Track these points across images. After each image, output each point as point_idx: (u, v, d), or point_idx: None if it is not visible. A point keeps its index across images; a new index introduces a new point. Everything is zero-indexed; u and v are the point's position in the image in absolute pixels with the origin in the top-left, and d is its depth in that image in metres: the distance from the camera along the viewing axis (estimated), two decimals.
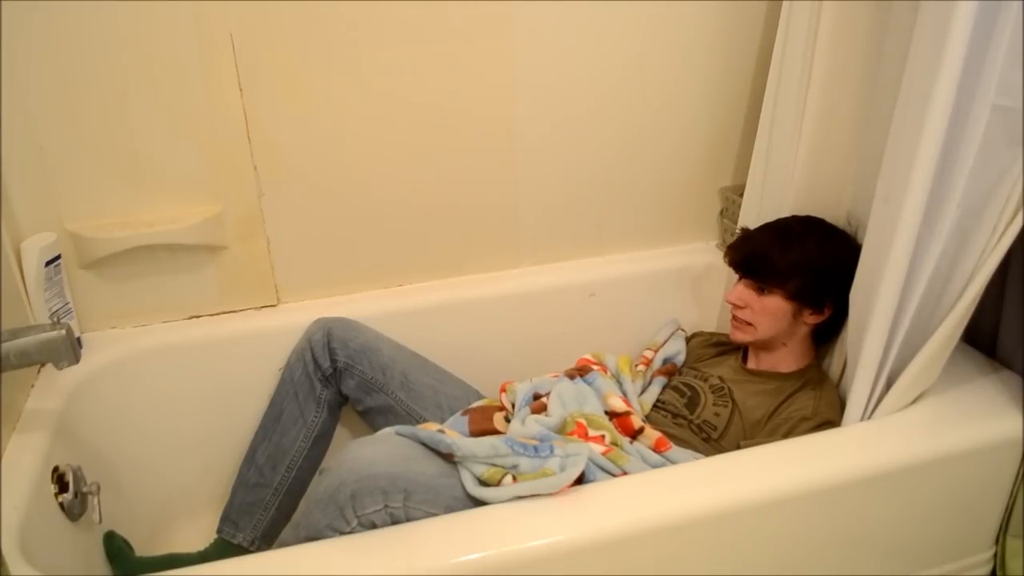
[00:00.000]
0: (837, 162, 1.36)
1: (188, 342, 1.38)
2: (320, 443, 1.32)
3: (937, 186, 1.03)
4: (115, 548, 1.22)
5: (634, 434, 1.19)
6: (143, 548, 1.26)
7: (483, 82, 1.39)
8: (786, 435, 1.18)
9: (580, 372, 1.33)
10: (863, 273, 1.20)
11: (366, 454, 0.97)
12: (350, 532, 0.93)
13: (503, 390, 1.34)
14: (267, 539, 1.29)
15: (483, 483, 1.01)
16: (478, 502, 1.00)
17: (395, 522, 0.94)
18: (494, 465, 1.03)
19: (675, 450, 1.17)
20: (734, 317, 1.32)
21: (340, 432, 1.38)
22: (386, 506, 0.93)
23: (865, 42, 1.27)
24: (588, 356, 1.40)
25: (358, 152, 1.38)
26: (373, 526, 0.94)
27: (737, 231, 1.42)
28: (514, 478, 1.01)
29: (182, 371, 1.37)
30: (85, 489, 1.11)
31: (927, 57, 1.00)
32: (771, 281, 1.26)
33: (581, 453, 1.04)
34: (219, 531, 1.29)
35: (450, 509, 0.98)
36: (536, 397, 1.29)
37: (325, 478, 0.97)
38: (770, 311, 1.27)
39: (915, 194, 1.03)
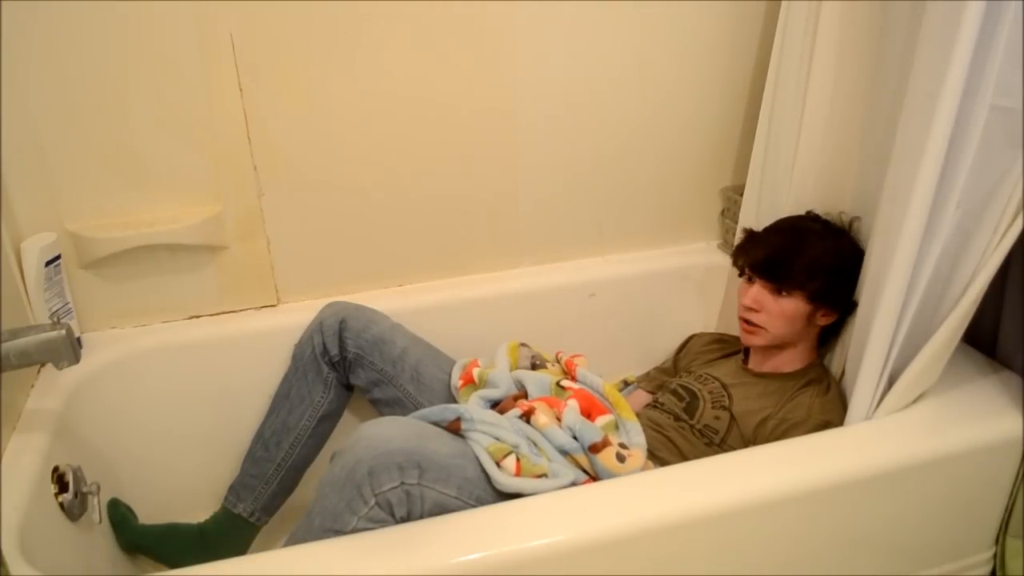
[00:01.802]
0: (836, 161, 1.36)
1: (188, 342, 1.38)
2: (326, 422, 1.33)
3: (938, 187, 1.03)
4: (118, 515, 1.24)
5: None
6: None
7: (483, 83, 1.39)
8: (780, 438, 1.18)
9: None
10: (868, 274, 1.20)
11: (380, 432, 0.97)
12: (367, 513, 0.93)
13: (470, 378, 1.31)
14: (267, 511, 1.31)
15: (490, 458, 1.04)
16: (488, 485, 1.01)
17: (410, 500, 0.94)
18: (498, 439, 1.06)
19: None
20: (745, 320, 1.29)
21: (349, 414, 1.39)
22: (402, 483, 0.94)
23: (863, 41, 1.27)
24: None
25: (358, 152, 1.38)
26: (389, 505, 0.94)
27: (740, 232, 1.41)
28: (517, 459, 1.04)
29: (182, 371, 1.37)
30: (85, 489, 1.11)
31: (935, 58, 1.00)
32: (792, 283, 1.24)
33: (565, 475, 1.05)
34: (224, 500, 1.31)
35: (461, 489, 0.99)
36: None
37: (340, 459, 0.97)
38: (788, 314, 1.25)
39: (920, 195, 1.03)
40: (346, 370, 1.33)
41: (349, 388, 1.36)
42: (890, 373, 1.13)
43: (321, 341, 1.31)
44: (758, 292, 1.27)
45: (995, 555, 1.24)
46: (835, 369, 1.31)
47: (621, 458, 1.08)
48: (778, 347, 1.31)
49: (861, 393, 1.14)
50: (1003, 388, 1.19)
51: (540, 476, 1.04)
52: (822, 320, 1.27)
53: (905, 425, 1.13)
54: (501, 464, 1.03)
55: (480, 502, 1.00)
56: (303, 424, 1.31)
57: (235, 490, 1.31)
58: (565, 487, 1.03)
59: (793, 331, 1.27)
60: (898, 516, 1.13)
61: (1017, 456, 1.15)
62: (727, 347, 1.44)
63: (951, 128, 0.99)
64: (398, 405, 1.32)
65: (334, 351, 1.31)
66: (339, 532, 0.94)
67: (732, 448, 1.22)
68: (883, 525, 1.13)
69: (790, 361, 1.31)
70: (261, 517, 1.31)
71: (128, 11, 1.18)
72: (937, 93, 0.98)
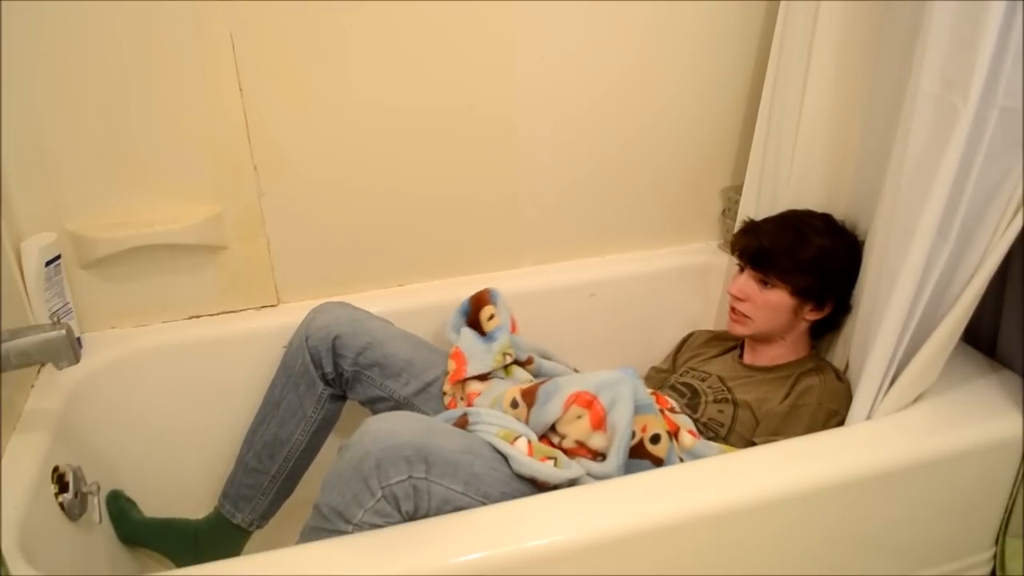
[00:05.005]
0: (834, 160, 1.36)
1: (188, 342, 1.38)
2: (320, 434, 1.31)
3: (951, 190, 1.03)
4: (117, 509, 1.25)
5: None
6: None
7: (484, 83, 1.39)
8: (788, 422, 1.19)
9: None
10: (868, 273, 1.20)
11: (387, 426, 0.97)
12: (374, 506, 0.93)
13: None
14: (266, 517, 1.31)
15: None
16: (495, 482, 1.01)
17: (417, 495, 0.94)
18: (506, 427, 1.07)
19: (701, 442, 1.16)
20: (732, 309, 1.32)
21: (348, 411, 1.37)
22: (410, 476, 0.93)
23: (861, 41, 1.27)
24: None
25: (358, 152, 1.38)
26: (395, 499, 0.93)
27: (742, 220, 1.41)
28: (528, 441, 1.05)
29: (182, 371, 1.37)
30: (85, 489, 1.12)
31: (951, 61, 1.00)
32: (779, 276, 1.26)
33: (572, 468, 1.05)
34: (220, 506, 1.30)
35: (468, 485, 0.98)
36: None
37: (347, 452, 0.97)
38: (771, 305, 1.27)
39: (936, 199, 1.02)
40: (343, 386, 1.29)
41: (343, 398, 1.32)
42: (894, 373, 1.13)
43: (312, 357, 1.26)
44: (745, 282, 1.30)
45: (995, 555, 1.24)
46: (837, 365, 1.31)
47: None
48: (768, 340, 1.32)
49: (864, 393, 1.14)
50: (1003, 388, 1.19)
51: (551, 459, 1.04)
52: (809, 315, 1.28)
53: (905, 425, 1.13)
54: (513, 446, 1.03)
55: (487, 499, 1.00)
56: (296, 439, 1.28)
57: (231, 499, 1.29)
58: (573, 479, 1.03)
59: (779, 323, 1.28)
60: (898, 516, 1.13)
61: (1017, 456, 1.15)
62: (724, 344, 1.45)
63: (969, 132, 0.99)
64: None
65: (328, 368, 1.26)
66: (346, 523, 0.94)
67: (737, 441, 1.22)
68: (883, 525, 1.13)
69: (783, 354, 1.31)
70: (260, 524, 1.30)
71: (128, 11, 1.18)
72: (960, 98, 0.98)
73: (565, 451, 1.09)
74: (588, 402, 1.08)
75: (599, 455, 1.08)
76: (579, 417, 1.08)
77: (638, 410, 1.08)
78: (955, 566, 1.23)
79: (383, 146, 1.39)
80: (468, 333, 1.35)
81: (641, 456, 1.07)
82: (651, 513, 0.98)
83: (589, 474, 1.06)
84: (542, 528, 0.95)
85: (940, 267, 1.07)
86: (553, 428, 1.12)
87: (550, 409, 1.11)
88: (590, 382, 1.10)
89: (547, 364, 1.37)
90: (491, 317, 1.35)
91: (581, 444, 1.09)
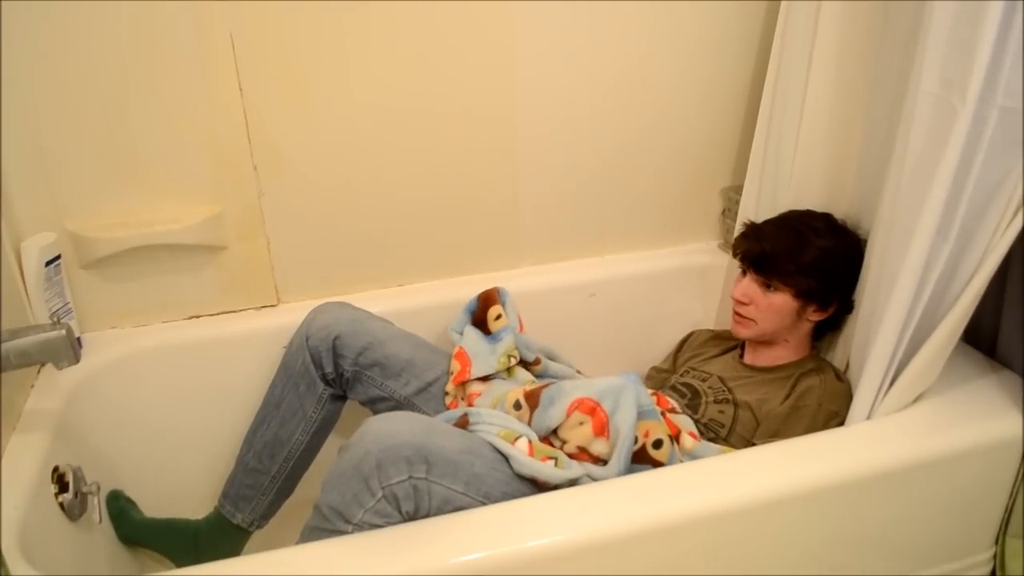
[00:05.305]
0: (835, 160, 1.36)
1: (188, 342, 1.38)
2: (320, 434, 1.31)
3: (951, 190, 1.03)
4: (117, 509, 1.25)
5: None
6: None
7: (484, 82, 1.39)
8: (789, 422, 1.19)
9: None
10: (869, 274, 1.20)
11: (388, 426, 0.97)
12: (374, 506, 0.93)
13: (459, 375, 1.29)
14: (266, 517, 1.31)
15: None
16: (496, 482, 1.01)
17: (417, 495, 0.94)
18: (506, 427, 1.07)
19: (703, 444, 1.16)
20: (736, 312, 1.32)
21: (347, 411, 1.37)
22: (410, 477, 0.93)
23: (862, 41, 1.27)
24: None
25: (358, 152, 1.38)
26: (396, 500, 0.93)
27: (742, 223, 1.41)
28: (529, 441, 1.05)
29: (182, 371, 1.37)
30: (85, 489, 1.12)
31: (951, 61, 1.00)
32: (781, 279, 1.26)
33: (573, 469, 1.06)
34: (220, 506, 1.30)
35: (469, 485, 0.98)
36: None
37: (347, 452, 0.97)
38: (775, 308, 1.27)
39: (935, 199, 1.03)
40: (343, 386, 1.29)
41: (343, 398, 1.32)
42: (894, 373, 1.13)
43: (312, 357, 1.27)
44: (747, 285, 1.30)
45: (995, 555, 1.24)
46: (837, 365, 1.31)
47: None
48: (771, 341, 1.32)
49: (864, 393, 1.14)
50: (1003, 388, 1.19)
51: (551, 459, 1.04)
52: (813, 316, 1.28)
53: (905, 425, 1.13)
54: (514, 446, 1.04)
55: (488, 499, 1.00)
56: (296, 439, 1.28)
57: (231, 499, 1.29)
58: (574, 480, 1.04)
59: (782, 325, 1.29)
60: (898, 516, 1.13)
61: (1017, 456, 1.15)
62: (724, 343, 1.45)
63: (968, 132, 0.99)
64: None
65: (328, 368, 1.26)
66: (346, 523, 0.94)
67: (737, 441, 1.22)
68: (883, 525, 1.13)
69: (784, 354, 1.32)
70: (260, 524, 1.30)
71: (128, 11, 1.18)
72: (959, 97, 0.98)
73: (566, 456, 1.10)
74: (591, 409, 1.08)
75: (600, 460, 1.08)
76: (581, 424, 1.08)
77: (641, 415, 1.08)
78: (955, 566, 1.23)
79: (383, 146, 1.39)
80: (472, 333, 1.35)
81: (643, 461, 1.07)
82: (651, 513, 0.98)
83: (590, 476, 1.06)
84: (542, 528, 0.95)
85: (940, 267, 1.07)
86: (555, 432, 1.12)
87: (552, 414, 1.11)
88: (593, 388, 1.10)
89: (553, 366, 1.37)
90: (498, 317, 1.35)
91: (583, 450, 1.09)
